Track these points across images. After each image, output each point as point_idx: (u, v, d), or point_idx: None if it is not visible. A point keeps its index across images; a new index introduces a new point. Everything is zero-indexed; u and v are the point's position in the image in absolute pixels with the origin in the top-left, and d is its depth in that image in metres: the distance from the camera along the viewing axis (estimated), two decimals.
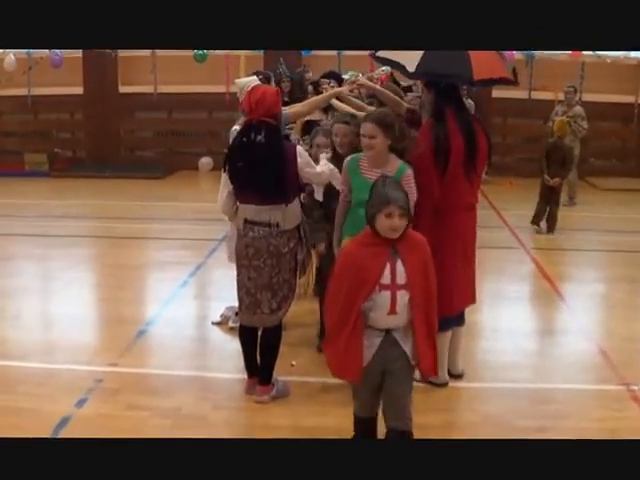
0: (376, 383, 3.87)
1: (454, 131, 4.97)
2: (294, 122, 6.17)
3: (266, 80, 6.24)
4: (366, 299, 3.71)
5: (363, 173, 4.74)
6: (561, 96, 12.64)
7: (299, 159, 4.82)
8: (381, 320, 3.77)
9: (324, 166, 5.07)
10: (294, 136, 6.24)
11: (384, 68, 7.24)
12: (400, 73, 5.48)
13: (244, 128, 4.91)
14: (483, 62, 4.93)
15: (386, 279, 3.70)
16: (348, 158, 4.89)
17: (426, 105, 5.25)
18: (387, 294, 3.71)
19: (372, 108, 6.24)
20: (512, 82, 5.26)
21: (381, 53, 5.19)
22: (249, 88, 5.09)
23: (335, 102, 6.01)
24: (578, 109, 11.89)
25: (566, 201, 11.65)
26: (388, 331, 3.80)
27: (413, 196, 4.55)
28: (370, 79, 6.14)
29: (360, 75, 7.51)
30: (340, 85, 6.60)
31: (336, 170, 5.11)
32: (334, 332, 3.82)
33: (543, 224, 10.12)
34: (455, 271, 5.06)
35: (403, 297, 3.72)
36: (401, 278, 3.71)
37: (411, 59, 4.92)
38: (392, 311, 3.73)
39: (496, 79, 5.16)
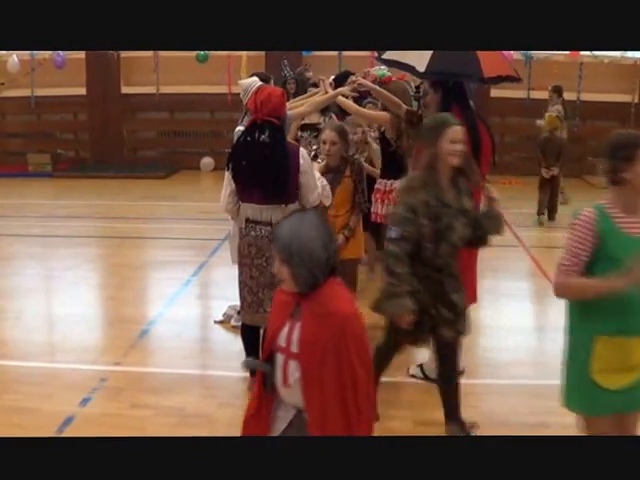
0: None
1: None
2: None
3: (264, 82, 6.28)
4: (265, 355, 3.06)
5: (624, 229, 3.24)
6: None
7: (301, 161, 4.86)
8: (280, 390, 2.99)
9: (317, 180, 5.03)
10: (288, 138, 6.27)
11: (382, 67, 7.24)
12: (410, 74, 5.50)
13: (248, 127, 4.96)
14: (490, 60, 4.98)
15: (282, 340, 2.94)
16: (588, 212, 3.27)
17: (431, 105, 5.27)
18: (281, 358, 2.95)
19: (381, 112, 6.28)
20: (517, 79, 5.33)
21: (387, 55, 5.20)
22: (255, 88, 5.14)
23: (340, 99, 6.03)
24: (555, 108, 12.01)
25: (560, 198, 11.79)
26: (300, 410, 2.97)
27: None
28: (365, 75, 6.15)
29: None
30: None
31: (328, 187, 5.15)
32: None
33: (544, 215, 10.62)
34: (458, 271, 5.08)
35: (294, 370, 2.90)
36: (295, 345, 2.90)
37: (420, 59, 4.93)
38: (284, 382, 2.94)
39: (504, 77, 5.20)
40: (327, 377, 2.83)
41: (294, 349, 2.89)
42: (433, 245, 4.11)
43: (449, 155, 4.10)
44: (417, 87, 8.02)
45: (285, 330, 2.93)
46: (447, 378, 4.54)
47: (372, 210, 6.70)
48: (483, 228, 4.27)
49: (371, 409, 2.97)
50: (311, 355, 2.84)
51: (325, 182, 5.14)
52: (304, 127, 6.93)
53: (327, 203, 5.22)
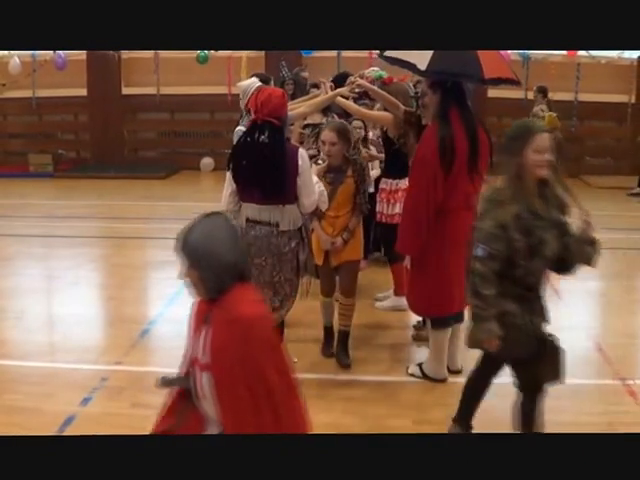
0: None
1: (459, 132, 5.01)
2: (292, 124, 6.21)
3: (264, 83, 6.30)
4: (185, 369, 2.95)
5: None
6: (556, 96, 12.78)
7: (300, 162, 4.86)
8: (197, 403, 2.89)
9: (315, 185, 5.04)
10: (292, 141, 6.28)
11: (375, 68, 7.27)
12: (411, 72, 5.51)
13: (249, 128, 4.98)
14: (491, 61, 4.99)
15: (194, 350, 2.84)
16: None
17: (430, 106, 5.28)
18: (194, 370, 2.85)
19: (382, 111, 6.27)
20: (516, 82, 5.34)
21: (389, 53, 5.21)
22: (256, 89, 5.14)
23: (340, 100, 6.04)
24: (536, 109, 12.05)
25: None
26: None
27: None
28: (361, 77, 6.17)
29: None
30: None
31: (325, 193, 5.15)
32: None
33: None
34: (457, 270, 5.08)
35: (207, 381, 2.79)
36: (206, 354, 2.78)
37: (421, 58, 4.93)
38: (199, 394, 2.85)
39: (504, 79, 5.21)
40: (238, 385, 2.70)
41: (205, 359, 2.78)
42: (526, 262, 3.80)
43: (536, 167, 3.75)
44: (414, 86, 8.04)
45: (200, 339, 2.82)
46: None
47: (377, 210, 6.72)
48: (571, 254, 3.90)
49: (296, 414, 2.84)
50: (221, 363, 2.72)
51: (322, 188, 5.13)
52: (305, 127, 6.94)
53: (324, 208, 5.23)
